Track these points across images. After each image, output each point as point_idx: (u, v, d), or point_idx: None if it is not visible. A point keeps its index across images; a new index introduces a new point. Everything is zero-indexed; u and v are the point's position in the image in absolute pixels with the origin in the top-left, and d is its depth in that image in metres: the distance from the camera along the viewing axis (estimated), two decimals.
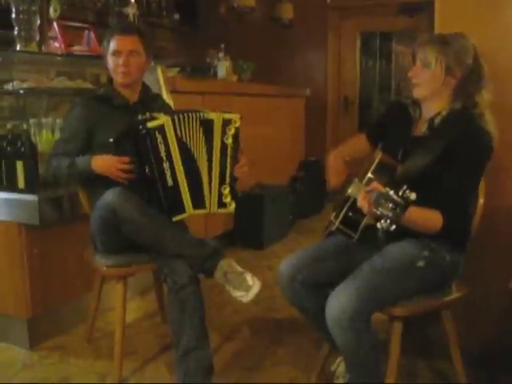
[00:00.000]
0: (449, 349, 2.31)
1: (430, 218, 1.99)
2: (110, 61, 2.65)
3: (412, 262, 2.07)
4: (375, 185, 1.79)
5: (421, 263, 2.07)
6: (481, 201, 2.25)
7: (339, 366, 2.52)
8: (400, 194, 1.64)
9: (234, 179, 2.58)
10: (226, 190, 2.57)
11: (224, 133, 2.53)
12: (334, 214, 2.23)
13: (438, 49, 2.05)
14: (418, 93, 2.15)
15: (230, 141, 2.54)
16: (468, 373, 2.35)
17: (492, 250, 2.55)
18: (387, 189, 1.67)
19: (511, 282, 2.19)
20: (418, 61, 2.11)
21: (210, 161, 2.53)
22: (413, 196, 1.64)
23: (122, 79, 2.67)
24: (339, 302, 1.95)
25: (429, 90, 2.11)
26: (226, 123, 2.53)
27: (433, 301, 2.17)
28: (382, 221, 1.65)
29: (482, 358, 2.56)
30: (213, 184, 2.54)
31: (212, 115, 2.52)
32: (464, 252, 2.18)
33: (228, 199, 2.58)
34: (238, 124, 2.54)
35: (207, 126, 2.51)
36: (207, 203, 2.55)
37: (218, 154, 2.53)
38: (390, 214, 1.63)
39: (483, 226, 2.26)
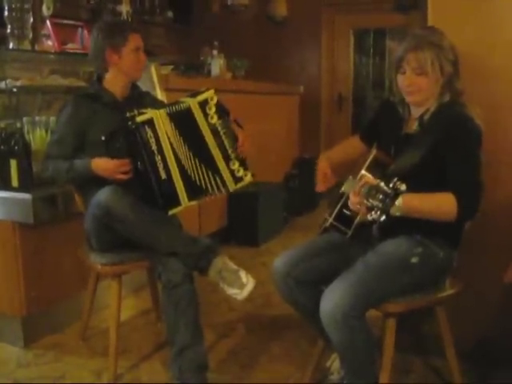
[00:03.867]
0: (443, 345, 2.32)
1: (443, 204, 1.94)
2: (131, 57, 2.65)
3: (406, 258, 2.07)
4: (366, 179, 1.80)
5: (414, 259, 2.07)
6: None
7: (334, 362, 2.52)
8: (391, 185, 1.66)
9: (238, 151, 2.59)
10: (236, 165, 2.58)
11: (206, 114, 2.53)
12: (329, 211, 2.24)
13: (429, 53, 2.01)
14: (414, 99, 2.11)
15: (215, 119, 2.54)
16: (462, 369, 2.36)
17: (486, 245, 2.55)
18: (378, 181, 1.69)
19: (505, 277, 2.20)
20: (408, 69, 2.06)
21: (203, 147, 2.53)
22: (403, 187, 1.65)
23: (141, 74, 2.75)
24: (333, 299, 1.95)
25: (427, 94, 2.08)
26: (204, 104, 2.54)
27: (427, 297, 2.17)
28: (373, 212, 1.67)
29: (477, 354, 2.57)
30: (220, 167, 2.56)
31: (187, 102, 2.53)
32: (457, 248, 2.19)
33: (241, 172, 2.60)
34: (215, 100, 2.55)
35: (188, 115, 2.53)
36: (213, 187, 2.56)
37: (211, 137, 2.54)
38: (380, 205, 1.65)
39: (478, 222, 2.27)
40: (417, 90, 2.08)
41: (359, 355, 2.04)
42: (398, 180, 1.67)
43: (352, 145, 2.52)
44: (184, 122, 2.53)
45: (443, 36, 2.07)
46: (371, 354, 2.07)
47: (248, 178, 2.62)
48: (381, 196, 1.66)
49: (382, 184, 1.67)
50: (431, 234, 2.06)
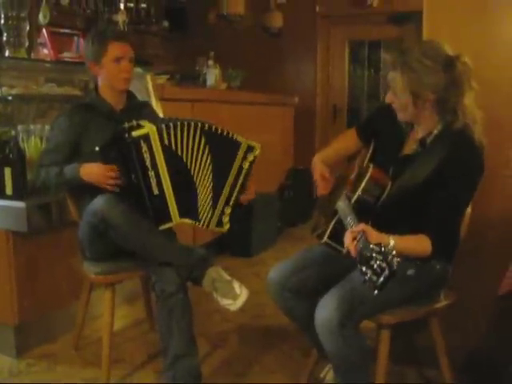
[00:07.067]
0: (436, 356, 2.32)
1: (418, 248, 1.96)
2: (110, 67, 2.63)
3: (402, 270, 2.03)
4: (363, 227, 1.78)
5: (410, 272, 2.07)
6: (468, 210, 2.26)
7: (328, 373, 2.52)
8: (385, 253, 1.61)
9: (237, 203, 2.60)
10: (228, 211, 2.59)
11: (244, 158, 2.56)
12: (324, 219, 2.22)
13: (400, 76, 1.96)
14: (400, 118, 2.10)
15: (246, 166, 2.57)
16: (455, 380, 2.36)
17: (480, 257, 2.56)
18: (372, 244, 1.65)
19: (500, 289, 2.20)
20: (390, 86, 2.03)
21: (221, 178, 2.55)
22: (397, 262, 1.60)
23: (124, 85, 2.69)
24: (328, 309, 1.95)
25: (406, 115, 2.06)
26: (249, 150, 2.56)
27: (421, 309, 2.17)
28: (367, 277, 1.63)
29: (470, 366, 2.57)
30: (219, 202, 2.56)
31: (240, 139, 2.55)
32: (452, 260, 2.18)
33: (226, 219, 2.60)
34: (257, 152, 2.58)
35: (234, 148, 2.54)
36: (203, 217, 2.55)
37: (233, 176, 2.56)
38: (374, 279, 1.61)
39: (471, 234, 2.28)
40: (397, 108, 2.06)
41: (353, 365, 2.03)
42: (392, 253, 1.63)
43: (347, 143, 2.47)
44: (223, 148, 2.54)
45: (426, 57, 1.95)
46: (365, 364, 2.06)
47: (226, 228, 2.62)
48: (375, 266, 1.61)
49: (376, 253, 1.62)
50: None
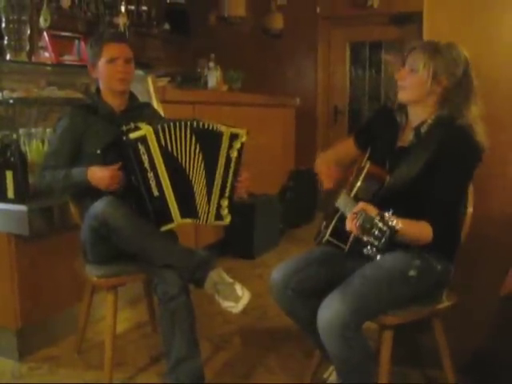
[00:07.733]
0: (439, 357, 2.31)
1: (420, 232, 1.98)
2: (105, 68, 2.64)
3: (404, 271, 2.07)
4: (362, 205, 1.79)
5: (412, 272, 2.07)
6: (470, 209, 2.26)
7: (331, 375, 2.51)
8: (385, 219, 1.63)
9: (233, 193, 2.60)
10: (225, 203, 2.58)
11: (230, 147, 2.55)
12: (325, 223, 2.23)
13: (427, 55, 2.05)
14: (402, 96, 2.14)
15: (235, 155, 2.56)
16: (459, 381, 2.35)
17: (482, 258, 2.55)
18: (373, 215, 1.67)
19: (502, 290, 2.20)
20: (406, 65, 2.11)
21: (211, 172, 2.54)
22: (398, 225, 1.63)
23: (120, 86, 2.68)
24: (330, 311, 1.95)
25: (413, 94, 2.11)
26: (234, 137, 2.55)
27: (423, 309, 2.17)
28: (369, 247, 1.65)
29: (473, 366, 2.56)
30: (213, 196, 2.55)
31: (221, 127, 2.54)
32: (454, 260, 2.19)
33: (225, 212, 2.59)
34: (244, 139, 2.57)
35: (217, 138, 2.53)
36: (201, 213, 2.55)
37: (222, 167, 2.55)
38: (376, 243, 1.63)
39: (473, 235, 2.27)
40: (406, 85, 2.11)
41: (356, 367, 2.03)
42: (392, 215, 1.65)
43: (346, 147, 2.50)
44: (209, 142, 2.53)
45: (455, 51, 2.07)
46: (368, 366, 2.06)
47: (227, 221, 2.62)
48: (376, 232, 1.64)
49: (378, 219, 1.64)
50: (429, 246, 2.05)
